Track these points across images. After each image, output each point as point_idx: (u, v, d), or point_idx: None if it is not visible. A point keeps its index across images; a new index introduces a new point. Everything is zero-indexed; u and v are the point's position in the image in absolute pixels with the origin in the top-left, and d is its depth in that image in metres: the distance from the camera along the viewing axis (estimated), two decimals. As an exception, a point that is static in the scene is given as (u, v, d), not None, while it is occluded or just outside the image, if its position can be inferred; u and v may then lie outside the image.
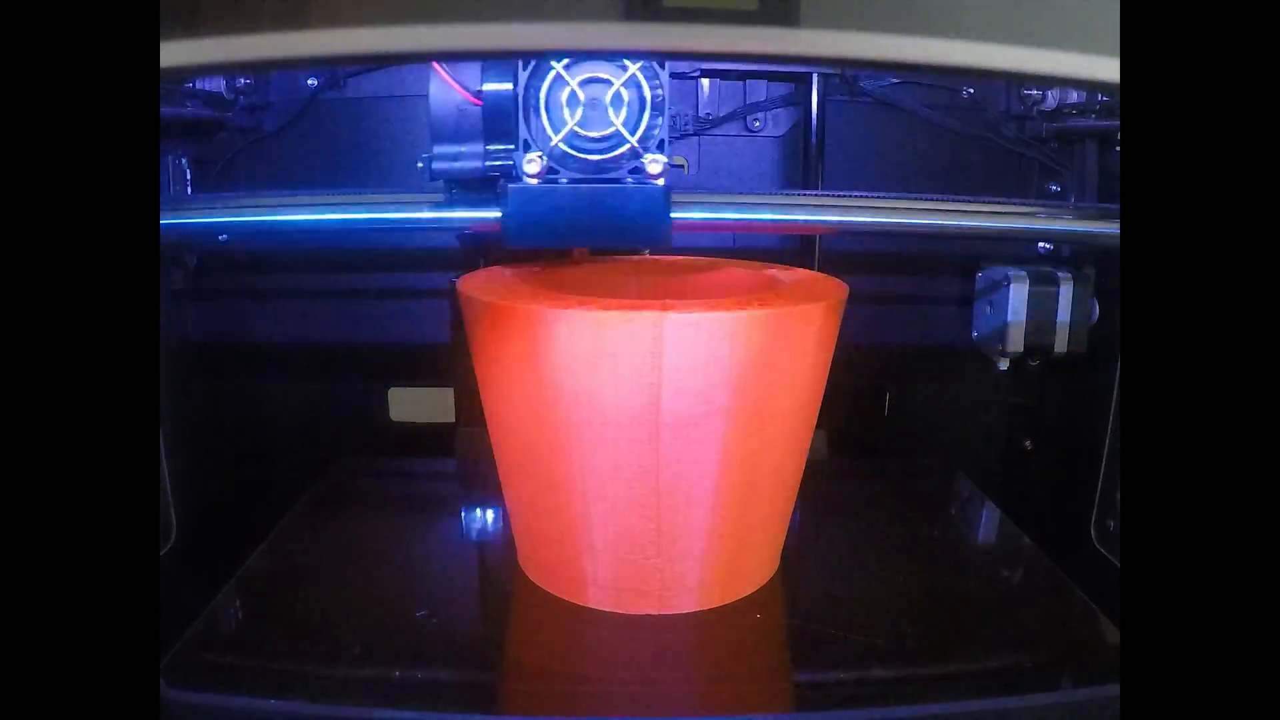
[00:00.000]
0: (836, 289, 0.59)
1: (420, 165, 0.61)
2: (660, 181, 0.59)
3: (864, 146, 0.90)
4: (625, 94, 0.58)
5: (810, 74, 0.84)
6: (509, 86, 0.58)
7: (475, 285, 0.59)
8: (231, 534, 0.72)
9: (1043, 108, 0.89)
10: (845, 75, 0.87)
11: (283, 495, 0.79)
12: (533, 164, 0.57)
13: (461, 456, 0.87)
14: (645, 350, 0.51)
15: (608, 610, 0.59)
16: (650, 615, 0.58)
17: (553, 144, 0.58)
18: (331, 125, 0.89)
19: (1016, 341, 0.84)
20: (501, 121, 0.59)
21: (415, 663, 0.54)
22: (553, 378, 0.53)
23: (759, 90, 0.90)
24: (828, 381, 0.60)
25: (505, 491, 0.63)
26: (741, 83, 0.90)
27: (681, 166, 0.89)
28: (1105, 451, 0.81)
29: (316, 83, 0.88)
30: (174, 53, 0.35)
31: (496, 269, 0.67)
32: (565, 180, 0.59)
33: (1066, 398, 0.92)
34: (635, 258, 0.73)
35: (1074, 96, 0.87)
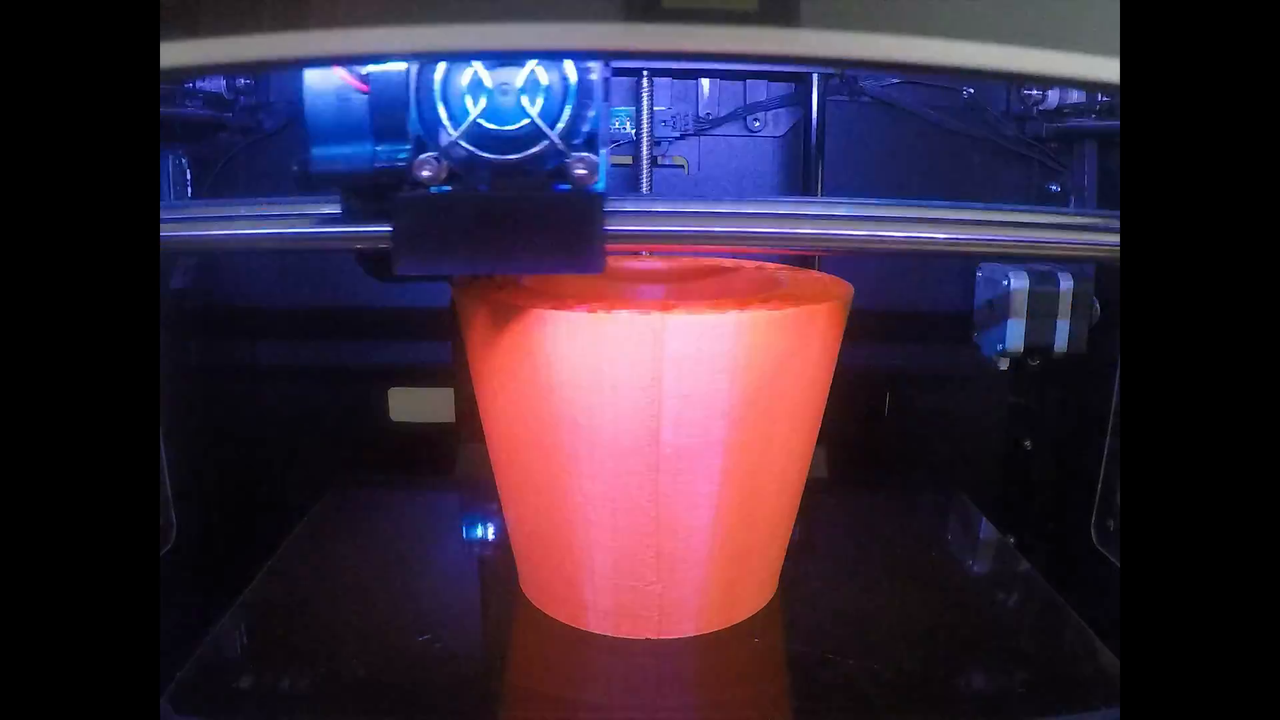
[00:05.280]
0: (841, 289, 0.59)
1: (295, 169, 0.51)
2: (593, 189, 0.47)
3: (864, 146, 0.90)
4: (544, 76, 0.45)
5: (810, 74, 0.84)
6: (402, 69, 0.47)
7: (471, 282, 0.59)
8: (231, 539, 0.72)
9: (1043, 108, 0.89)
10: (845, 75, 0.87)
11: (282, 497, 0.79)
12: (427, 168, 0.46)
13: (463, 475, 0.86)
14: (646, 352, 0.51)
15: (607, 634, 0.59)
16: (649, 639, 0.58)
17: (451, 141, 0.46)
18: None
19: (1016, 341, 0.84)
20: (393, 114, 0.47)
21: (417, 687, 0.54)
22: (550, 381, 0.53)
23: (759, 90, 0.90)
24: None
25: (505, 514, 0.63)
26: (741, 83, 0.90)
27: (681, 167, 0.90)
28: (1105, 451, 0.81)
29: (316, 83, 0.88)
30: (174, 53, 0.35)
31: None
32: (469, 189, 0.47)
33: (1066, 398, 0.92)
34: (635, 258, 0.73)
35: (1074, 96, 0.87)
